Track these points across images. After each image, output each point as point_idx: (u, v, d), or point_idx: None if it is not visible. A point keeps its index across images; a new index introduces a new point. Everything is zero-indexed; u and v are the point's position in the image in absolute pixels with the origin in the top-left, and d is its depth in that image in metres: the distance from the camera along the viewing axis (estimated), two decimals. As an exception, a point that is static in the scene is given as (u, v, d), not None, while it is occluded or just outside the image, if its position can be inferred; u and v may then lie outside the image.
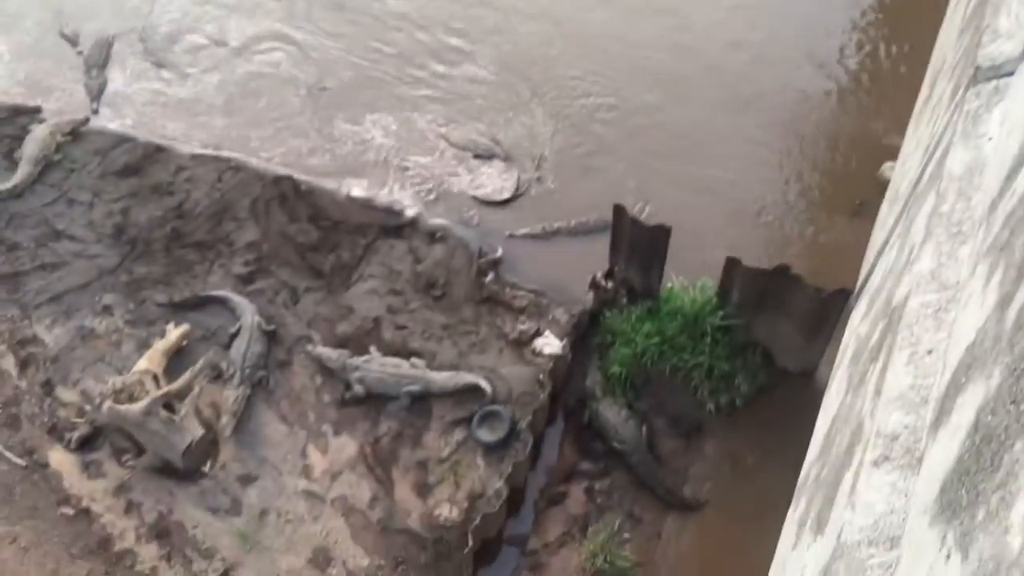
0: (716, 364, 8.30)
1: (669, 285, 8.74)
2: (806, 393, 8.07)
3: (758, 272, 7.85)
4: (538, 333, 8.89)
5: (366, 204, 9.82)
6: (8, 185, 9.73)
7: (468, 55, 11.42)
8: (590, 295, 8.95)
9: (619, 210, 8.40)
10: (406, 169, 10.33)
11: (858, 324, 5.99)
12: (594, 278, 9.01)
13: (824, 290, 7.50)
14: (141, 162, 10.12)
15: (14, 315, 8.93)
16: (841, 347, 6.66)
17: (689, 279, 8.72)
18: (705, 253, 9.03)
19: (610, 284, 8.99)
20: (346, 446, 8.22)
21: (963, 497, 2.23)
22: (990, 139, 3.83)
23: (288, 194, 9.83)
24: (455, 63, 11.35)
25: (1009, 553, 1.72)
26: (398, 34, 11.63)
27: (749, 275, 7.91)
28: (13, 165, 9.96)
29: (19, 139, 10.18)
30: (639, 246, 8.50)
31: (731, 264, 7.99)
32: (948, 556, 2.19)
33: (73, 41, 11.52)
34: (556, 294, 9.19)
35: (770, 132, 10.56)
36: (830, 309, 7.56)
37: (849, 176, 10.12)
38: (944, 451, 2.62)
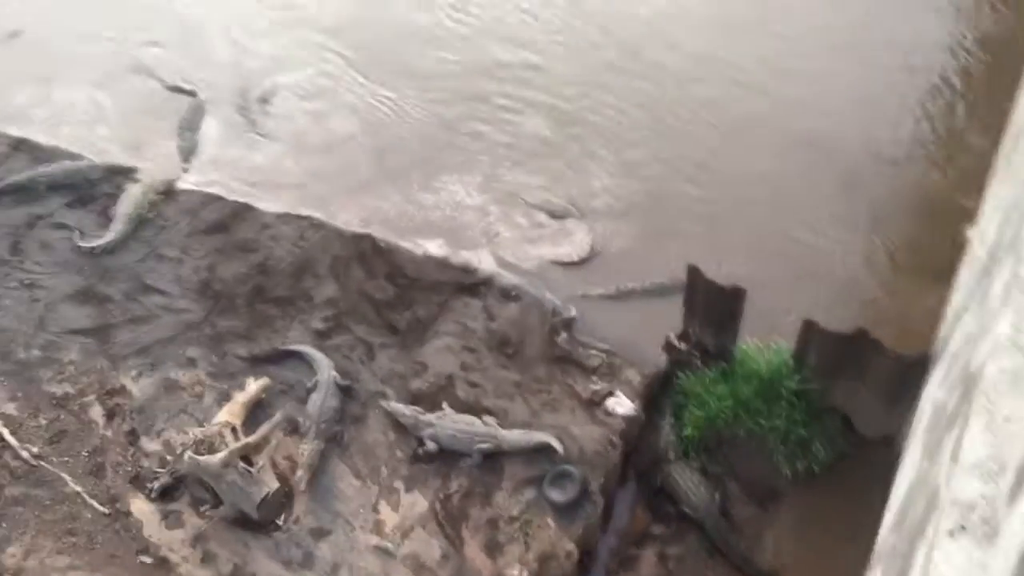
0: (792, 429, 8.13)
1: (744, 347, 8.64)
2: (886, 460, 7.87)
3: (836, 336, 7.72)
4: (611, 393, 8.85)
5: (442, 262, 9.99)
6: (102, 241, 10.10)
7: (527, 114, 11.76)
8: (664, 356, 8.90)
9: (693, 271, 8.39)
10: (483, 229, 10.52)
11: (935, 390, 5.86)
12: (668, 339, 8.97)
13: (905, 356, 7.34)
14: (228, 220, 10.44)
15: (103, 366, 9.18)
16: (917, 413, 6.50)
17: (764, 341, 8.61)
18: (781, 315, 8.92)
19: (684, 345, 8.93)
20: (417, 502, 8.24)
21: (1045, 571, 2.16)
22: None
23: (367, 252, 10.04)
24: (519, 122, 11.71)
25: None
26: (451, 98, 12.03)
27: (826, 338, 7.78)
28: (108, 222, 10.36)
29: (114, 197, 10.59)
30: (713, 307, 8.45)
31: (808, 327, 7.88)
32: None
33: (192, 92, 12.32)
34: (629, 354, 9.16)
35: (845, 194, 10.48)
36: (911, 375, 7.39)
37: (927, 239, 9.94)
38: (1023, 522, 2.55)
